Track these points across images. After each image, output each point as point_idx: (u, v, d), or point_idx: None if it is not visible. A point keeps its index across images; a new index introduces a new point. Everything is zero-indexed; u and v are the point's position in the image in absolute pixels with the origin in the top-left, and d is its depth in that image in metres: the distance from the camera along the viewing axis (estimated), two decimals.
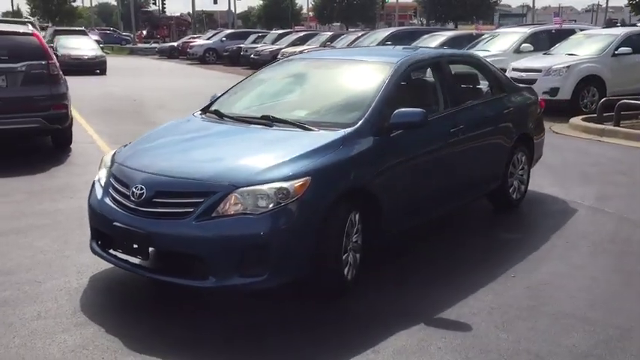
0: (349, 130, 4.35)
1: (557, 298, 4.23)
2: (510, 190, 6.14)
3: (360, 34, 23.28)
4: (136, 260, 3.98)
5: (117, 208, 4.07)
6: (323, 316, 3.98)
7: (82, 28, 36.60)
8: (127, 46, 47.80)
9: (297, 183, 3.84)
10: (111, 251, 4.12)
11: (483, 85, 6.23)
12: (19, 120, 8.26)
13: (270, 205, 3.77)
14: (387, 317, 3.95)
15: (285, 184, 3.82)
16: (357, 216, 4.26)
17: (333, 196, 3.99)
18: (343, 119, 4.55)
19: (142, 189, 3.98)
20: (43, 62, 8.48)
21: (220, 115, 4.98)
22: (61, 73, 8.97)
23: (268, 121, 4.61)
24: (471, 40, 17.22)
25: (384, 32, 21.08)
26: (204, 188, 3.86)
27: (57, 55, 25.12)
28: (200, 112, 5.21)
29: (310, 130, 4.43)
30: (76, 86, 12.46)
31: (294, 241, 3.82)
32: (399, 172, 4.60)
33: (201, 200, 3.81)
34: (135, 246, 3.92)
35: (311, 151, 4.09)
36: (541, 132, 6.68)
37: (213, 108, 5.19)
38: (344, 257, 4.11)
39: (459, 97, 5.49)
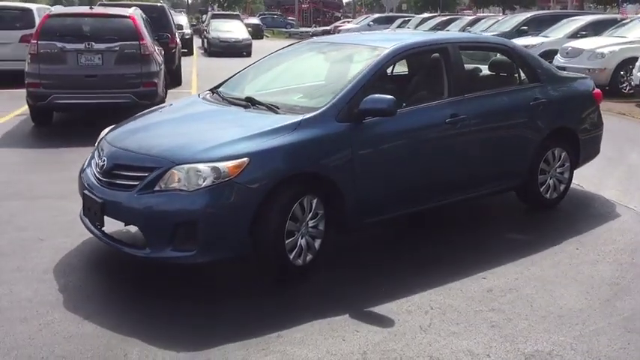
0: (310, 114, 4.31)
1: (510, 307, 3.90)
2: (542, 189, 5.67)
3: (500, 18, 22.25)
4: (94, 227, 4.29)
5: (92, 178, 4.40)
6: (253, 298, 4.04)
7: (237, 13, 38.66)
8: (286, 30, 49.60)
9: (232, 164, 3.90)
10: (84, 218, 4.47)
11: (511, 74, 5.78)
12: (112, 95, 9.06)
13: (205, 184, 3.88)
14: (317, 304, 3.91)
15: (218, 164, 3.90)
16: (314, 202, 4.23)
17: (274, 179, 4.00)
18: (312, 103, 4.53)
19: (104, 161, 4.28)
20: (136, 43, 9.18)
21: (220, 96, 5.14)
22: (154, 53, 9.68)
23: (248, 102, 4.70)
24: (614, 24, 15.79)
25: (522, 16, 19.96)
26: (149, 163, 4.06)
27: (207, 38, 27.23)
28: (207, 92, 5.41)
29: (277, 113, 4.46)
30: (214, 65, 13.14)
31: (226, 221, 3.90)
32: (371, 161, 4.47)
33: (146, 174, 4.01)
34: (94, 213, 4.22)
35: (260, 133, 4.13)
36: (593, 128, 6.07)
37: (220, 88, 5.37)
38: (289, 241, 4.11)
39: (467, 85, 5.17)
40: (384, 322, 3.70)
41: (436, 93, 5.09)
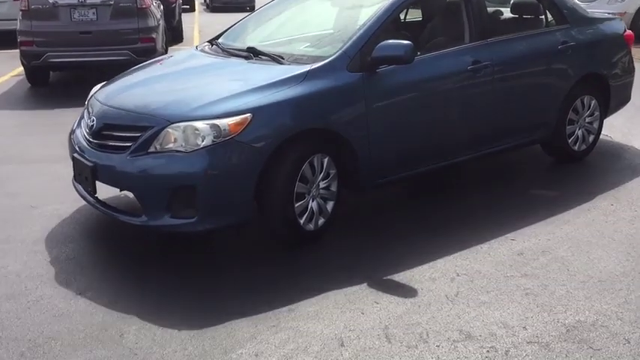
0: (318, 64, 3.89)
1: (545, 272, 3.54)
2: (571, 140, 5.26)
3: None
4: (87, 193, 3.94)
5: (81, 139, 4.03)
6: (261, 268, 3.69)
7: None
8: None
9: (233, 121, 3.51)
10: (76, 183, 4.11)
11: (537, 15, 5.29)
12: (108, 52, 8.62)
13: (204, 144, 3.50)
14: (331, 273, 3.56)
15: (218, 122, 3.51)
16: (324, 161, 3.85)
17: (280, 136, 3.61)
18: (320, 52, 4.11)
19: (93, 120, 3.90)
20: None
21: (219, 47, 4.71)
22: (152, 7, 9.20)
23: (250, 53, 4.27)
24: None
25: None
26: (142, 122, 3.67)
27: None
28: (206, 43, 4.98)
29: (282, 64, 4.04)
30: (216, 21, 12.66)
31: (228, 184, 3.53)
32: (386, 114, 4.07)
33: (139, 135, 3.63)
34: (85, 178, 3.86)
35: (264, 86, 3.72)
36: (625, 73, 5.61)
37: (219, 39, 4.94)
38: (299, 205, 3.74)
39: (489, 29, 4.70)
40: (405, 291, 3.35)
41: (455, 38, 4.64)
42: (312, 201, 3.85)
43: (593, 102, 5.34)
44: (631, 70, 5.70)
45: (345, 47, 3.97)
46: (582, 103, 5.26)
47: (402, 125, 4.16)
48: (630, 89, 5.77)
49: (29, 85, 8.95)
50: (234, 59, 4.33)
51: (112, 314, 3.19)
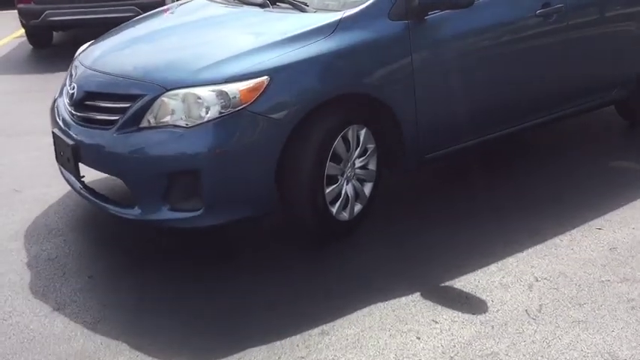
0: (352, 11, 3.06)
1: None
2: None
3: None
4: (71, 177, 3.21)
5: (64, 112, 3.28)
6: (284, 274, 2.95)
7: None
8: None
9: (245, 85, 2.73)
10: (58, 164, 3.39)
11: None
12: (113, 9, 7.85)
13: (208, 116, 2.73)
14: (373, 279, 2.80)
15: (226, 87, 2.73)
16: (361, 133, 3.07)
17: (306, 104, 2.83)
18: None
19: (74, 88, 3.15)
20: None
21: None
22: None
23: (267, 0, 3.45)
24: None
25: None
26: (132, 89, 2.91)
27: None
28: None
29: (307, 12, 3.22)
30: None
31: (242, 167, 2.76)
32: (437, 73, 3.25)
33: (128, 105, 2.87)
34: (67, 160, 3.13)
35: (284, 41, 2.92)
36: None
37: None
38: (331, 190, 2.98)
39: None
40: (472, 305, 2.59)
41: None
42: (347, 184, 3.08)
43: None
44: None
45: None
46: None
47: (456, 86, 3.34)
48: None
49: (31, 47, 8.24)
50: (247, 8, 3.51)
51: (95, 340, 2.48)
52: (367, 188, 3.19)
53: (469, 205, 3.45)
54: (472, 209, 3.40)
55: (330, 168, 2.96)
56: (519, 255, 2.92)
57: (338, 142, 2.97)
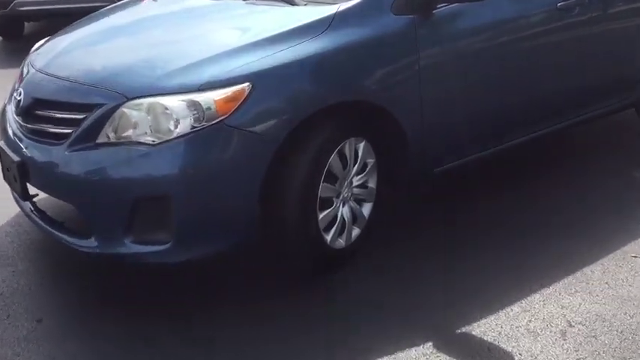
0: (350, 3, 2.60)
1: None
2: None
3: None
4: (20, 197, 2.74)
5: (12, 121, 2.80)
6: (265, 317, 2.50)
7: None
8: None
9: (222, 94, 2.27)
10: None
11: None
12: None
13: (178, 131, 2.27)
14: (375, 319, 2.37)
15: (198, 96, 2.27)
16: (360, 147, 2.63)
17: (296, 115, 2.37)
18: None
19: (20, 94, 2.68)
20: None
21: None
22: None
23: None
24: None
25: None
26: (87, 97, 2.43)
27: None
28: None
29: (296, 4, 2.76)
30: None
31: (219, 191, 2.31)
32: (446, 74, 2.81)
33: (83, 117, 2.40)
34: (14, 178, 2.66)
35: (269, 39, 2.45)
36: None
37: None
38: (325, 215, 2.54)
39: None
40: (496, 359, 2.16)
41: None
42: (343, 206, 2.64)
43: None
44: None
45: None
46: None
47: (468, 88, 2.90)
48: None
49: (0, 38, 7.73)
50: (228, 0, 3.05)
51: None
52: (366, 209, 2.76)
53: (480, 228, 3.01)
54: (484, 233, 2.96)
55: (325, 189, 2.51)
56: (546, 291, 2.49)
57: (333, 159, 2.52)
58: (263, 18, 2.74)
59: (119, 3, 3.70)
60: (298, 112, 2.37)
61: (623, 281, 2.56)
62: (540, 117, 3.32)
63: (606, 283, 2.55)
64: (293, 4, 2.75)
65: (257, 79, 2.31)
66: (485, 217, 3.09)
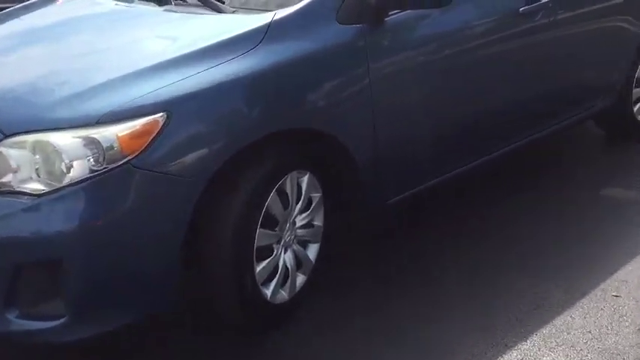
0: (286, 12, 2.17)
1: None
2: (636, 109, 3.72)
3: None
4: None
5: None
6: None
7: None
8: None
9: (128, 129, 1.79)
10: None
11: None
12: None
13: (73, 176, 1.78)
14: None
15: (98, 132, 1.79)
16: (304, 180, 2.21)
17: (225, 151, 1.93)
18: None
19: None
20: None
21: None
22: None
23: None
24: None
25: None
26: None
27: None
28: None
29: (223, 11, 2.30)
30: None
31: (128, 250, 1.84)
32: (401, 90, 2.41)
33: None
34: None
35: (189, 57, 1.99)
36: None
37: None
38: (263, 267, 2.11)
39: None
40: None
41: None
42: (285, 252, 2.22)
43: None
44: None
45: None
46: None
47: (427, 103, 2.51)
48: None
49: None
50: (141, 7, 2.54)
51: None
52: (312, 251, 2.34)
53: (444, 269, 2.62)
54: (448, 273, 2.58)
55: (262, 237, 2.08)
56: (523, 346, 2.13)
57: (272, 199, 2.09)
58: (183, 29, 2.27)
59: (18, 6, 3.13)
60: (227, 147, 1.93)
61: (607, 328, 2.23)
62: (506, 131, 2.98)
63: (589, 332, 2.21)
64: (219, 11, 2.29)
65: (174, 107, 1.85)
66: (449, 257, 2.70)
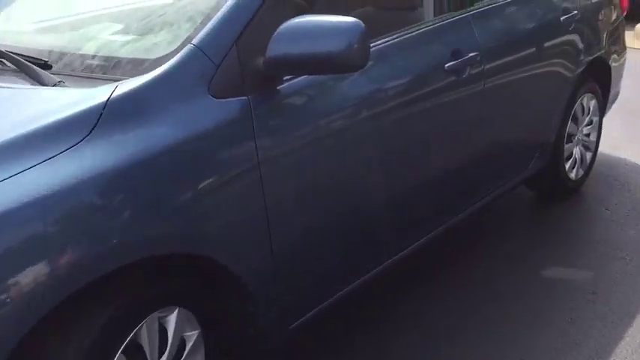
0: (134, 83, 1.51)
1: None
2: (567, 166, 3.31)
3: None
4: None
5: None
6: None
7: None
8: None
9: None
10: None
11: None
12: None
13: None
14: None
15: None
16: (170, 320, 1.56)
17: (45, 298, 1.25)
18: (143, 49, 1.72)
19: None
20: None
21: None
22: None
23: None
24: None
25: None
26: None
27: None
28: None
29: (43, 82, 1.61)
30: None
31: None
32: (304, 184, 1.81)
33: None
34: None
35: None
36: (621, 53, 3.72)
37: None
38: None
39: None
40: None
41: (408, 9, 2.44)
42: None
43: (593, 103, 3.44)
44: (624, 50, 3.81)
45: (201, 36, 1.61)
46: (583, 104, 3.34)
47: (331, 191, 1.91)
48: (621, 76, 3.89)
49: None
50: None
51: None
52: None
53: None
54: None
55: None
56: None
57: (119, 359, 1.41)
58: None
59: None
60: (45, 295, 1.24)
61: None
62: (434, 211, 2.43)
63: None
64: (38, 81, 1.60)
65: None
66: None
